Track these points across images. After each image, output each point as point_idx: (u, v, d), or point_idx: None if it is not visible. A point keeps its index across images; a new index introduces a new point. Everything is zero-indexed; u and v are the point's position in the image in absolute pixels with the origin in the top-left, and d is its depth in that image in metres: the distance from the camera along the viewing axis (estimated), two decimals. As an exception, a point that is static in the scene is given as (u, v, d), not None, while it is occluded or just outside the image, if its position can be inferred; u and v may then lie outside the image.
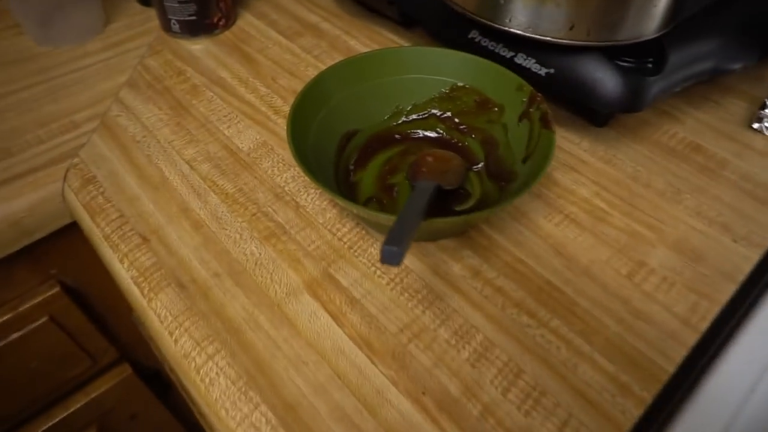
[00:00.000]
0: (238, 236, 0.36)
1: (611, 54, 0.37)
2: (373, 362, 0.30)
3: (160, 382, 0.63)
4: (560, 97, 0.40)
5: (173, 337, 0.31)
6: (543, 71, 0.38)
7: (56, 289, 0.45)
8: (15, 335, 0.45)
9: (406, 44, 0.53)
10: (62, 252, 0.45)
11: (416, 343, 0.31)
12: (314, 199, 0.38)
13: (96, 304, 0.51)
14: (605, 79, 0.36)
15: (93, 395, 0.54)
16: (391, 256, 0.22)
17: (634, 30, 0.36)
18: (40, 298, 0.44)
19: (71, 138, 0.44)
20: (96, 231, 0.37)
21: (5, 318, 0.44)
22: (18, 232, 0.39)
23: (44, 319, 0.45)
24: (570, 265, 0.35)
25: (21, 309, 0.44)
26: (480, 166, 0.39)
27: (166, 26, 0.54)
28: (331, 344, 0.31)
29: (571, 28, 0.35)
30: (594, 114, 0.43)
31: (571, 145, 0.42)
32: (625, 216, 0.38)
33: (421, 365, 0.30)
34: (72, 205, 0.40)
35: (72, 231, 0.43)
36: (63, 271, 0.47)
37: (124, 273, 0.35)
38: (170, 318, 0.32)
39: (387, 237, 0.24)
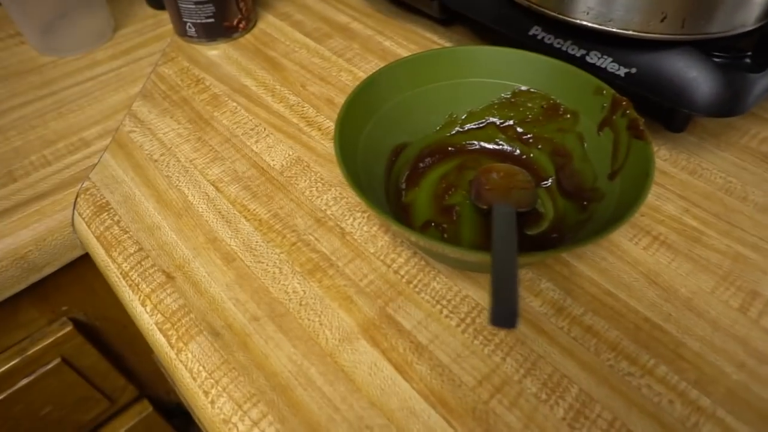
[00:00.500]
0: (277, 271, 0.31)
1: (704, 48, 0.32)
2: (451, 425, 0.25)
3: (181, 416, 0.58)
4: (635, 99, 0.35)
5: (209, 398, 0.26)
6: (622, 71, 0.33)
7: (69, 328, 0.40)
8: (24, 381, 0.40)
9: (447, 44, 0.48)
10: (73, 285, 0.41)
11: (500, 399, 0.26)
12: (362, 224, 0.33)
13: (111, 340, 0.46)
14: (701, 78, 0.31)
15: (111, 437, 0.49)
16: (505, 319, 0.17)
17: (733, 20, 0.31)
18: (51, 339, 0.40)
19: (81, 158, 0.39)
20: (113, 268, 0.32)
21: (13, 363, 0.39)
22: (24, 268, 0.35)
23: (56, 361, 0.40)
24: (668, 296, 0.30)
25: (30, 352, 0.39)
26: (550, 181, 0.34)
27: (181, 30, 0.49)
28: (398, 403, 0.26)
29: (663, 20, 0.30)
30: (671, 118, 0.37)
31: (647, 153, 0.37)
32: (723, 236, 0.32)
33: (509, 427, 0.25)
34: (84, 236, 0.35)
35: (83, 262, 0.38)
36: (75, 307, 0.42)
37: (147, 318, 0.30)
38: (204, 374, 0.27)
39: (494, 293, 0.18)
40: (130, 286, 0.31)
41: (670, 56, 0.32)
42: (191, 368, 0.27)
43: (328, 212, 0.34)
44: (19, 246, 0.34)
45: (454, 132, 0.36)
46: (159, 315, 0.30)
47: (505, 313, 0.17)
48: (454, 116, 0.36)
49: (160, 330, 0.29)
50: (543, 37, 0.36)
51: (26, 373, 0.40)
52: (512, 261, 0.20)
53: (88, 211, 0.35)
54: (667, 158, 0.37)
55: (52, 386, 0.42)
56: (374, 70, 0.45)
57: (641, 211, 0.34)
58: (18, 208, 0.35)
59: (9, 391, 0.39)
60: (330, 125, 0.40)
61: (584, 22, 0.32)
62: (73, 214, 0.35)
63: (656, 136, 0.39)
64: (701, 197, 0.35)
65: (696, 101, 0.31)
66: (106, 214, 0.35)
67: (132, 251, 0.33)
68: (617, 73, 0.33)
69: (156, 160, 0.38)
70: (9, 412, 0.40)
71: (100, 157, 0.39)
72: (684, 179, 0.36)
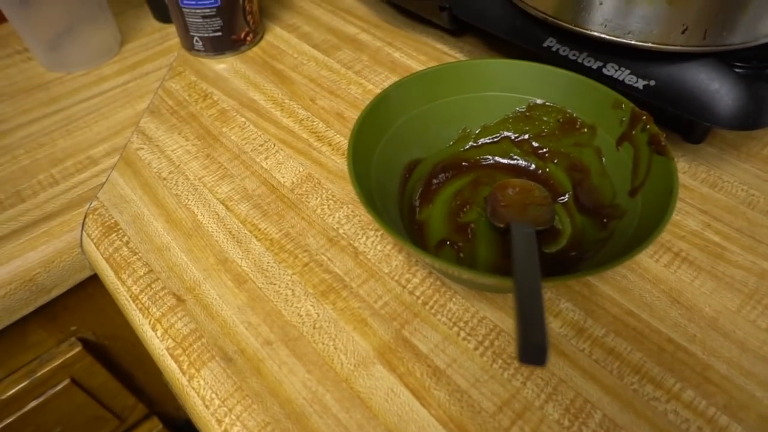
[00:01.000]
0: (289, 293, 0.30)
1: (726, 60, 0.31)
2: (471, 455, 0.24)
3: (191, 431, 0.57)
4: (652, 111, 0.34)
5: (222, 427, 0.26)
6: (640, 83, 0.32)
7: (78, 349, 0.40)
8: (34, 403, 0.39)
9: (458, 55, 0.47)
10: (82, 306, 0.40)
11: (521, 426, 0.25)
12: (375, 243, 0.33)
13: (120, 358, 0.46)
14: (724, 90, 0.30)
15: (121, 457, 0.49)
16: (535, 355, 0.17)
17: (756, 30, 0.30)
18: (60, 360, 0.39)
19: (89, 177, 0.38)
20: (122, 290, 0.32)
21: (22, 385, 0.38)
22: (32, 290, 0.34)
23: (65, 382, 0.40)
24: (692, 316, 0.29)
25: (39, 373, 0.39)
26: (567, 197, 0.33)
27: (189, 44, 0.48)
28: (416, 430, 0.25)
29: (684, 31, 0.29)
30: (690, 129, 0.36)
31: (665, 165, 0.36)
32: (747, 251, 0.31)
33: (532, 457, 0.24)
34: (92, 257, 0.34)
35: (91, 281, 0.38)
36: (83, 327, 0.42)
37: (157, 343, 0.29)
38: (218, 401, 0.26)
39: (520, 326, 0.18)
40: (140, 309, 0.31)
41: (691, 68, 0.31)
42: (204, 395, 0.27)
43: (341, 231, 0.34)
44: (27, 268, 0.33)
45: (467, 147, 0.36)
46: (170, 340, 0.29)
47: (534, 349, 0.17)
48: (468, 131, 0.35)
49: (171, 356, 0.28)
50: (558, 49, 0.35)
51: (35, 395, 0.39)
52: (537, 289, 0.20)
53: (96, 231, 0.35)
54: (686, 171, 0.36)
55: (61, 407, 0.41)
56: (384, 83, 0.44)
57: (661, 227, 0.33)
58: (26, 229, 0.35)
59: (18, 414, 0.39)
60: (340, 140, 0.40)
61: (601, 35, 0.31)
62: (82, 235, 0.35)
63: (674, 148, 0.38)
64: (723, 211, 0.34)
65: (719, 114, 0.30)
66: (114, 234, 0.34)
67: (141, 273, 0.32)
68: (635, 85, 0.33)
69: (164, 178, 0.38)
70: (18, 434, 0.40)
71: (108, 175, 0.38)
72: (705, 192, 0.35)
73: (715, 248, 0.32)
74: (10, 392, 0.38)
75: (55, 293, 0.35)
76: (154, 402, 0.51)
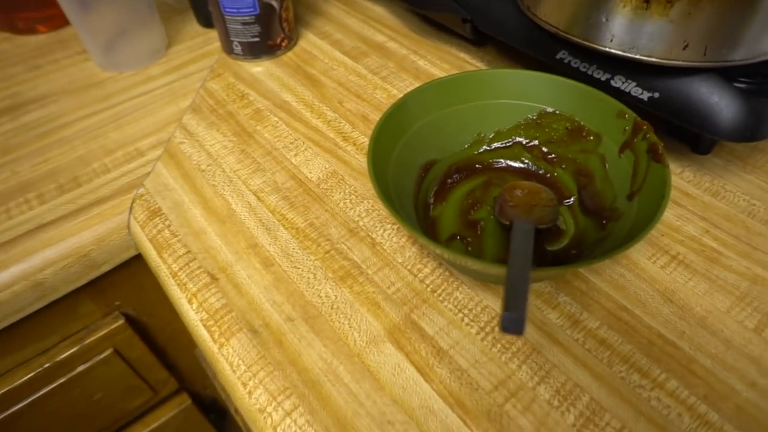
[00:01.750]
0: (311, 276, 0.34)
1: (727, 75, 0.33)
2: (467, 425, 0.27)
3: (217, 412, 0.62)
4: (662, 122, 0.36)
5: (247, 389, 0.29)
6: (645, 95, 0.34)
7: (121, 321, 0.44)
8: (81, 367, 0.44)
9: (479, 64, 0.50)
10: (126, 283, 0.44)
11: (514, 404, 0.28)
12: (391, 235, 0.36)
13: (156, 335, 0.50)
14: (723, 104, 0.32)
15: (153, 426, 0.53)
16: (513, 325, 0.19)
17: (757, 48, 0.32)
18: (105, 330, 0.43)
19: (136, 167, 0.42)
20: (163, 268, 0.35)
21: (72, 350, 0.43)
22: (86, 265, 0.38)
23: (109, 351, 0.44)
24: (683, 314, 0.31)
25: (87, 341, 0.43)
26: (572, 200, 0.36)
27: (228, 48, 0.52)
28: (418, 402, 0.28)
29: (684, 47, 0.31)
30: (697, 141, 0.38)
31: (674, 177, 0.38)
32: (743, 257, 0.33)
33: (522, 430, 0.27)
34: (138, 238, 0.38)
35: (134, 262, 0.42)
36: (126, 303, 0.46)
37: (193, 315, 0.33)
38: (243, 367, 0.30)
39: (505, 301, 0.20)
40: (178, 285, 0.34)
41: (693, 82, 0.33)
42: (231, 362, 0.30)
43: (360, 223, 0.37)
44: (83, 245, 0.37)
45: (481, 150, 0.38)
46: (204, 312, 0.33)
47: (513, 319, 0.19)
48: (482, 135, 0.38)
49: (205, 326, 0.32)
50: (569, 61, 0.38)
51: (84, 360, 0.44)
52: (525, 273, 0.22)
53: (142, 215, 0.39)
54: (690, 180, 0.38)
55: (104, 374, 0.46)
56: (408, 88, 0.47)
57: (661, 231, 0.35)
58: (82, 210, 0.39)
59: (69, 376, 0.43)
60: (364, 141, 0.43)
61: (609, 49, 0.34)
62: (129, 218, 0.39)
63: (682, 158, 0.39)
64: (723, 219, 0.35)
65: (718, 126, 0.32)
66: (158, 218, 0.38)
67: (181, 253, 0.36)
68: (641, 97, 0.35)
69: (203, 170, 0.41)
70: (67, 395, 0.44)
71: (153, 166, 0.42)
72: (707, 201, 0.37)
73: (712, 253, 0.34)
74: (62, 356, 0.42)
75: (104, 269, 0.40)
76: (184, 379, 0.55)
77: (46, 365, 0.42)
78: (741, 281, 0.32)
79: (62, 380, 0.43)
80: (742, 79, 0.33)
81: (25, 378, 0.42)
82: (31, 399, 0.43)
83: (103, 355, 0.44)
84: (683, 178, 0.38)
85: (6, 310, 0.37)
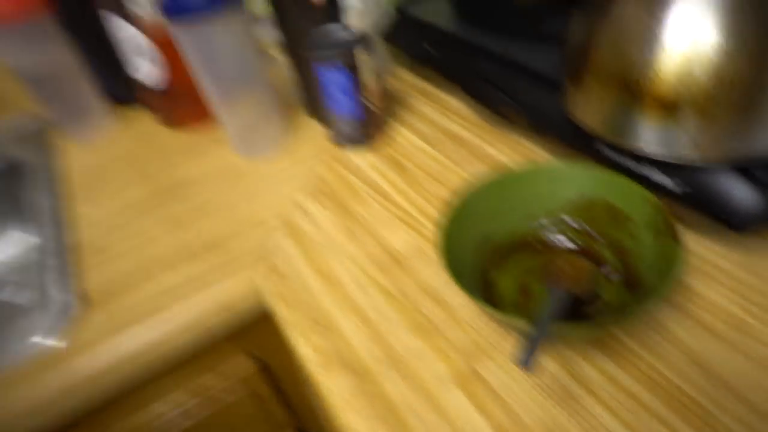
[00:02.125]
0: (397, 329, 0.44)
1: (747, 170, 0.39)
2: (514, 454, 0.35)
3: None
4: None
5: (348, 418, 0.39)
6: (677, 188, 0.41)
7: (255, 367, 0.56)
8: (222, 404, 0.56)
9: (540, 150, 0.58)
10: (257, 333, 0.57)
11: (553, 440, 0.35)
12: (457, 298, 0.45)
13: (279, 381, 0.62)
14: (742, 196, 0.38)
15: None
16: (524, 364, 0.29)
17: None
18: (243, 374, 0.56)
19: (262, 234, 0.55)
20: (287, 318, 0.47)
21: (216, 389, 0.56)
22: (229, 318, 0.51)
23: (245, 393, 0.57)
24: (708, 377, 0.36)
25: (228, 384, 0.56)
26: (607, 268, 0.43)
27: (335, 140, 0.65)
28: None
29: (700, 149, 0.38)
30: (731, 220, 0.44)
31: (706, 251, 0.44)
32: None
33: (559, 462, 0.34)
34: (267, 297, 0.50)
35: (263, 315, 0.54)
36: (258, 350, 0.59)
37: (310, 356, 0.44)
38: (344, 399, 0.40)
39: (523, 347, 0.29)
40: (298, 333, 0.46)
41: (716, 178, 0.39)
42: (334, 392, 0.40)
43: (435, 286, 0.46)
44: (228, 300, 0.50)
45: (533, 226, 0.47)
46: (317, 355, 0.43)
47: (524, 359, 0.29)
48: (534, 214, 0.46)
49: (315, 365, 0.43)
50: (608, 155, 0.45)
51: (224, 395, 0.57)
52: (544, 328, 0.31)
53: (268, 277, 0.51)
54: (723, 254, 0.43)
55: (240, 414, 0.58)
56: (479, 173, 0.57)
57: (691, 299, 0.41)
58: (226, 271, 0.52)
59: (210, 412, 0.56)
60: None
61: (634, 149, 0.42)
62: (259, 279, 0.52)
63: (719, 232, 0.45)
64: (754, 292, 0.41)
65: (741, 215, 0.38)
66: (287, 280, 0.50)
67: (297, 308, 0.47)
68: (673, 189, 0.42)
69: (314, 241, 0.53)
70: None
71: (275, 235, 0.55)
72: (737, 274, 0.42)
73: (740, 323, 0.39)
74: (210, 393, 0.55)
75: (247, 320, 0.52)
76: (301, 421, 0.67)
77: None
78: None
79: (208, 413, 0.56)
80: (759, 173, 0.39)
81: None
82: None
83: (239, 396, 0.56)
84: (715, 251, 0.44)
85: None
